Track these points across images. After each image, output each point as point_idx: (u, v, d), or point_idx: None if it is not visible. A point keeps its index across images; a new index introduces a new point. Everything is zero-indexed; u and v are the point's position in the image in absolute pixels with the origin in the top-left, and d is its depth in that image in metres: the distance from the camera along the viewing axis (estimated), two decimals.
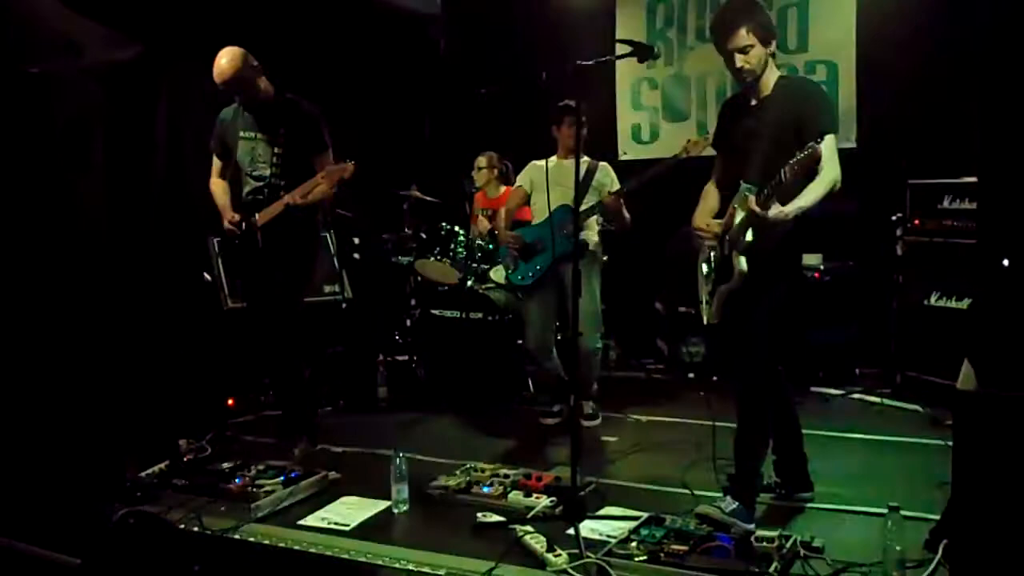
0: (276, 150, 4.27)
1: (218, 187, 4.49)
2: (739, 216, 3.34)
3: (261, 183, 4.30)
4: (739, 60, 3.36)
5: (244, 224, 4.28)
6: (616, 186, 5.00)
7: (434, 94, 7.63)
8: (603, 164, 5.11)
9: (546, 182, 4.64)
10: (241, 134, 4.33)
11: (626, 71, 6.96)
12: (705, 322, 3.63)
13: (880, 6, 6.08)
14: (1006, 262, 2.51)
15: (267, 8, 5.76)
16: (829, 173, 3.22)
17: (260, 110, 4.29)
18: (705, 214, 3.65)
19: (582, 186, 4.83)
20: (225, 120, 4.41)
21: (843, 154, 3.44)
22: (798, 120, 3.27)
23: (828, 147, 3.16)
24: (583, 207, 4.73)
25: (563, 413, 5.06)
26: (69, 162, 3.91)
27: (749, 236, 3.30)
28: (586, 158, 4.99)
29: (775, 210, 3.17)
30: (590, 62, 3.57)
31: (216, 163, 4.50)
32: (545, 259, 4.94)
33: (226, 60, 4.11)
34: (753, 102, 3.47)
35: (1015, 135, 2.64)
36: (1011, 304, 2.53)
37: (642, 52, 3.70)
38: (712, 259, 3.56)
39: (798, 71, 6.44)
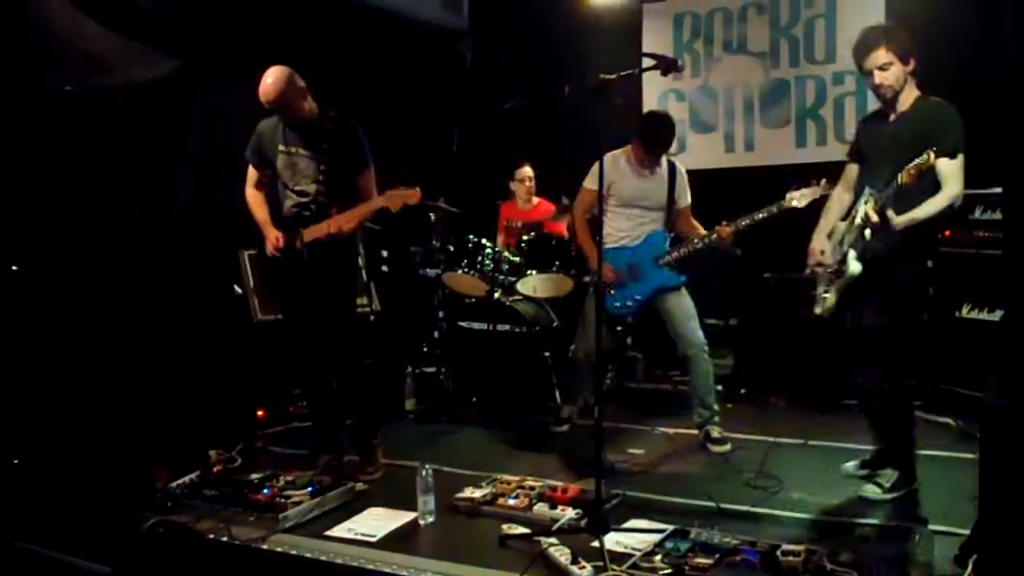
0: (321, 167, 4.25)
1: (255, 199, 4.46)
2: (858, 218, 3.61)
3: (306, 199, 4.29)
4: (878, 77, 3.65)
5: (289, 241, 4.27)
6: (688, 196, 4.96)
7: (461, 108, 7.68)
8: (679, 167, 4.97)
9: (626, 191, 4.73)
10: (281, 148, 4.31)
11: (652, 83, 6.95)
12: (817, 313, 3.93)
13: (908, 16, 6.03)
14: None
15: (298, 24, 5.83)
16: (950, 192, 3.51)
17: (303, 127, 4.28)
18: (825, 229, 3.99)
19: (668, 198, 4.88)
20: (264, 132, 4.39)
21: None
22: (930, 137, 3.47)
23: (953, 166, 3.50)
24: (691, 246, 4.77)
25: (572, 419, 5.14)
26: (101, 178, 3.97)
27: (867, 235, 3.61)
28: (664, 162, 4.94)
29: (889, 216, 3.48)
30: (613, 75, 3.58)
31: (252, 173, 4.47)
32: (643, 289, 4.81)
33: (272, 80, 4.10)
34: (892, 117, 3.74)
35: None
36: None
37: (665, 65, 3.71)
38: (835, 255, 3.84)
39: (826, 82, 6.44)
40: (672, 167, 4.94)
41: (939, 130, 3.54)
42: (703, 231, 4.84)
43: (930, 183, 3.55)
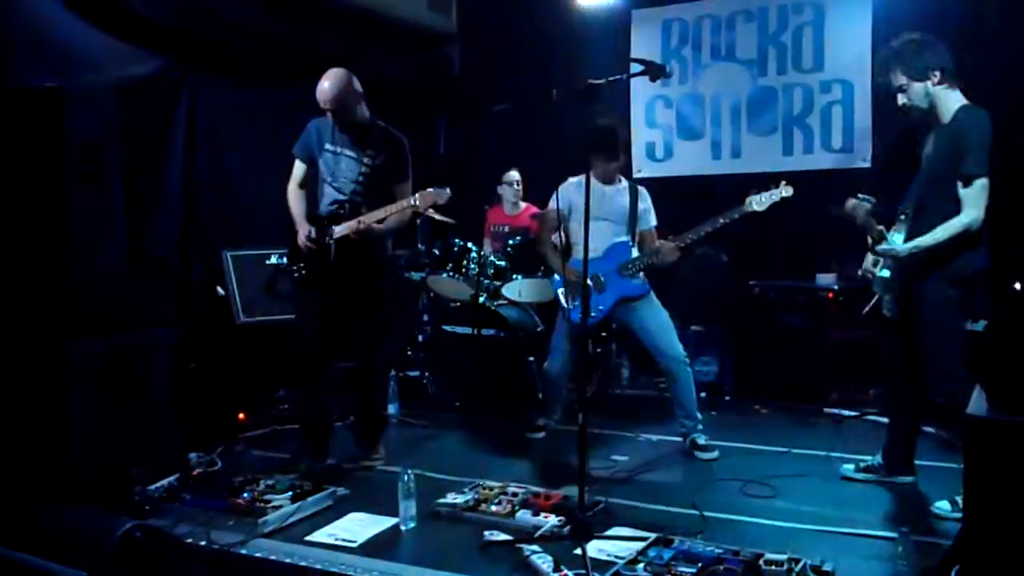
0: (363, 170, 4.34)
1: (295, 195, 4.51)
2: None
3: (343, 197, 4.36)
4: (899, 98, 3.74)
5: (319, 234, 4.33)
6: (653, 220, 4.96)
7: (449, 111, 7.66)
8: (642, 190, 5.00)
9: (589, 207, 4.55)
10: (327, 146, 4.40)
11: (641, 89, 6.96)
12: (887, 315, 4.00)
13: (896, 25, 6.05)
14: (1018, 285, 2.49)
15: (285, 24, 5.80)
16: (964, 217, 3.50)
17: (353, 130, 4.36)
18: None
19: (630, 213, 4.88)
20: (314, 130, 4.46)
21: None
22: (950, 160, 3.56)
23: (969, 192, 3.48)
24: (650, 257, 4.74)
25: (548, 428, 5.12)
26: (84, 176, 3.93)
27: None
28: (625, 181, 4.97)
29: (886, 247, 3.65)
30: (601, 80, 3.56)
31: (297, 169, 4.52)
32: (605, 300, 4.80)
33: (329, 83, 4.17)
34: (934, 130, 3.77)
35: None
36: (1022, 328, 2.51)
37: (654, 71, 3.70)
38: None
39: (813, 90, 6.45)
40: (634, 187, 4.97)
41: (958, 153, 3.55)
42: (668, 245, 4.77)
43: (952, 204, 3.56)
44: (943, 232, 3.54)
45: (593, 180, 4.74)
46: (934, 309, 3.74)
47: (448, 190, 4.24)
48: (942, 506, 3.69)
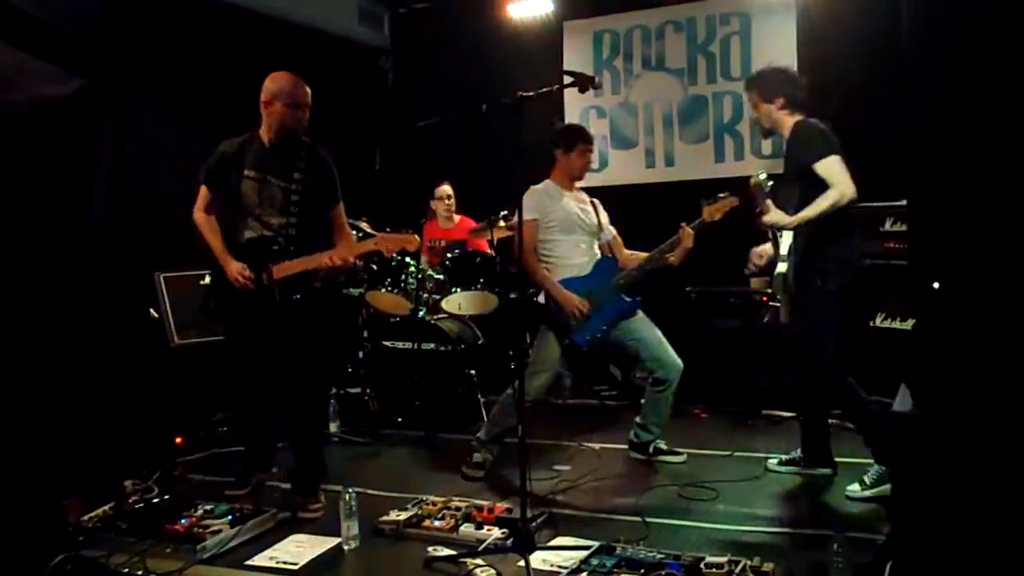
0: (293, 198, 3.98)
1: (207, 224, 4.15)
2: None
3: (270, 232, 4.00)
4: (752, 114, 4.36)
5: (258, 278, 3.98)
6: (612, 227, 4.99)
7: (384, 125, 7.64)
8: (595, 200, 4.93)
9: (565, 219, 4.68)
10: (247, 172, 4.02)
11: (574, 100, 7.03)
12: (784, 321, 4.45)
13: (819, 33, 6.23)
14: (936, 285, 2.57)
15: (214, 41, 5.74)
16: (833, 191, 3.86)
17: (277, 151, 4.02)
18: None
19: (597, 219, 4.87)
20: (226, 153, 4.08)
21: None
22: (798, 157, 4.04)
23: (826, 167, 3.89)
24: (651, 263, 4.71)
25: (486, 465, 4.66)
26: (3, 200, 3.83)
27: (782, 248, 4.33)
28: (584, 194, 4.90)
29: (771, 218, 4.05)
30: (531, 93, 3.58)
31: (204, 195, 4.16)
32: (605, 318, 4.64)
33: (298, 84, 4.03)
34: (783, 146, 4.26)
35: (942, 160, 2.71)
36: (942, 326, 2.58)
37: (583, 83, 3.74)
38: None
39: (742, 98, 6.56)
40: (591, 199, 4.92)
41: (802, 148, 4.01)
42: (641, 254, 4.79)
43: (819, 188, 3.90)
44: (823, 202, 3.87)
45: (558, 189, 4.76)
46: (808, 299, 4.10)
47: (416, 236, 4.10)
48: (853, 488, 3.96)
